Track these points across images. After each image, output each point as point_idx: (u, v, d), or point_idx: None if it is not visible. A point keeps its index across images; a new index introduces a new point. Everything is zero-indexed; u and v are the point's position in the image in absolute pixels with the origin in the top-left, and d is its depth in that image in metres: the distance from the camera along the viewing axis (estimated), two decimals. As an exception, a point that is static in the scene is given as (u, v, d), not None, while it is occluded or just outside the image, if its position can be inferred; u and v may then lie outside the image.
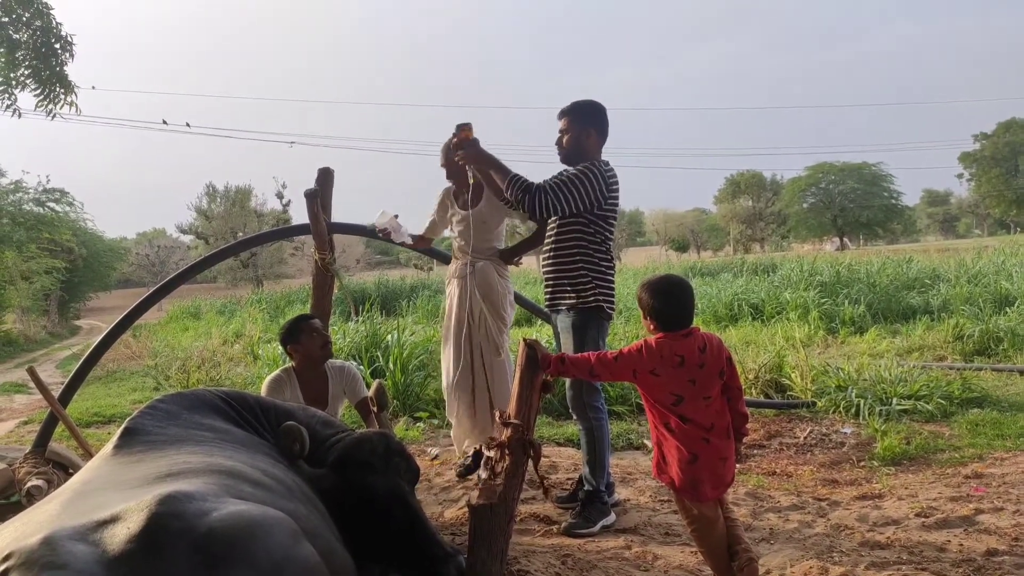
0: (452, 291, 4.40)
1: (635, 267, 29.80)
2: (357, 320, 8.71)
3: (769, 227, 61.31)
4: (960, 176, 53.34)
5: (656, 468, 2.80)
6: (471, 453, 4.49)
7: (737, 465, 2.96)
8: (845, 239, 51.87)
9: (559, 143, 3.85)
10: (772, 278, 15.81)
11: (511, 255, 4.39)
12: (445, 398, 4.53)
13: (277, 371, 4.17)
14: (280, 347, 4.80)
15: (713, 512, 2.69)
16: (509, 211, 4.24)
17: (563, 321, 3.79)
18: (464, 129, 3.85)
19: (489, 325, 4.24)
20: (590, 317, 3.69)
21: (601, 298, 3.68)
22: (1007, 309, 9.64)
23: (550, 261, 3.85)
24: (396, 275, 26.59)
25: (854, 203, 48.64)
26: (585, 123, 3.78)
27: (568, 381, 3.76)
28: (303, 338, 4.08)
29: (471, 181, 4.28)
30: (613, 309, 3.79)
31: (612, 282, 3.77)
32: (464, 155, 3.88)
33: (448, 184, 4.53)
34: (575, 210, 3.65)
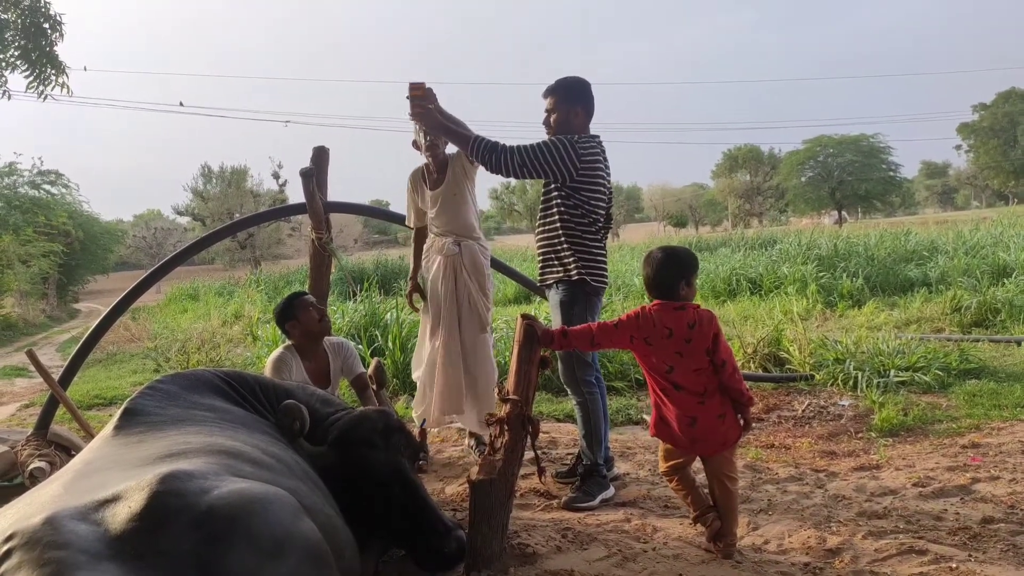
0: (435, 268, 4.37)
1: (633, 243, 29.77)
2: (356, 299, 8.71)
3: (767, 201, 61.11)
4: (958, 148, 53.11)
5: (654, 427, 3.00)
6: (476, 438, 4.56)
7: (746, 434, 3.02)
8: (843, 212, 51.73)
9: (547, 122, 3.87)
10: (770, 252, 15.79)
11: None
12: (418, 371, 4.51)
13: (279, 350, 4.13)
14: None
15: (689, 460, 2.99)
16: (470, 174, 4.30)
17: (553, 297, 3.84)
18: (416, 88, 3.79)
19: (477, 302, 4.30)
20: (576, 292, 3.71)
21: (584, 271, 3.69)
22: (1005, 280, 9.64)
23: (538, 237, 3.93)
24: (395, 254, 26.51)
25: (852, 176, 48.36)
26: (573, 102, 3.80)
27: (560, 357, 3.78)
28: (300, 314, 4.06)
29: (422, 143, 4.26)
30: (601, 284, 3.79)
31: (599, 256, 3.77)
32: (421, 120, 3.83)
33: (414, 169, 4.50)
34: (541, 175, 3.69)
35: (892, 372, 5.76)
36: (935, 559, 2.77)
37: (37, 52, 7.18)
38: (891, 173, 49.13)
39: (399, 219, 5.09)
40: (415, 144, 4.37)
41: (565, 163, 3.64)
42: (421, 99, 3.83)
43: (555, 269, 3.79)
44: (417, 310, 4.53)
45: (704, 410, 2.84)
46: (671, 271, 2.91)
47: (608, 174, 3.87)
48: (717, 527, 2.89)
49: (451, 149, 4.39)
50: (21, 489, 3.72)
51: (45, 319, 21.65)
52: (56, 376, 4.74)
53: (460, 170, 4.32)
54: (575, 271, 3.69)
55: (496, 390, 3.02)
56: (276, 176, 39.90)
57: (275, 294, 18.20)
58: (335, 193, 4.98)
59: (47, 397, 4.75)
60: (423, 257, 4.51)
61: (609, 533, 3.17)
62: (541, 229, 3.89)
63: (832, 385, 5.88)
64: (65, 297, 28.59)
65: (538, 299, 8.06)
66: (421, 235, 4.59)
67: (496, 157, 3.66)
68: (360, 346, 7.08)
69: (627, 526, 3.27)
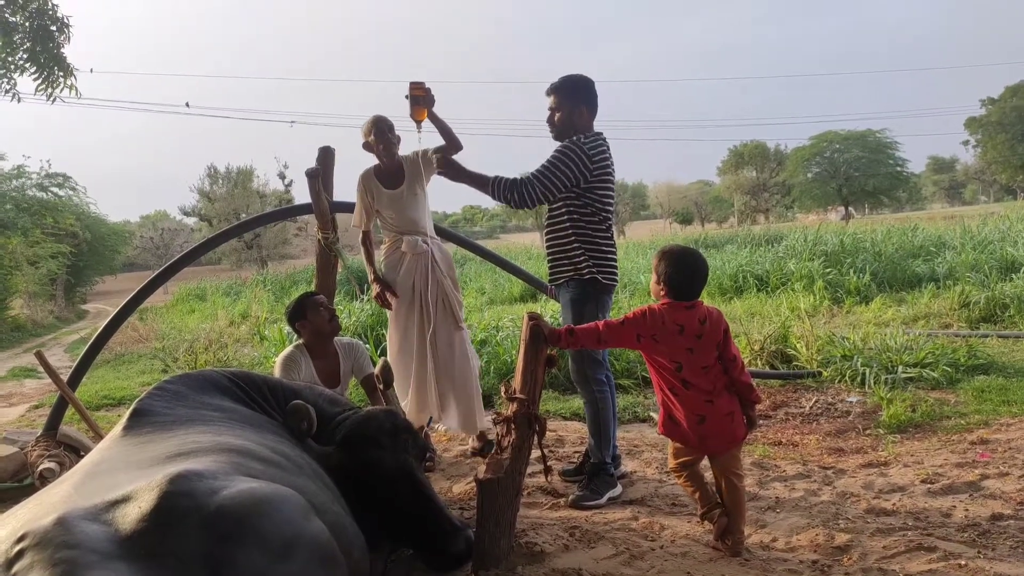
0: (404, 266, 4.35)
1: (638, 240, 29.72)
2: (363, 299, 8.72)
3: (773, 198, 60.88)
4: (966, 143, 52.72)
5: (663, 426, 3.02)
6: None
7: (751, 433, 3.04)
8: (850, 208, 51.51)
9: (550, 121, 3.88)
10: (777, 249, 15.71)
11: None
12: (408, 373, 4.43)
13: (290, 348, 4.18)
14: (287, 327, 4.82)
15: (698, 457, 3.00)
16: (427, 175, 4.36)
17: (563, 296, 3.85)
18: (416, 88, 3.87)
19: (450, 298, 4.37)
20: (587, 290, 3.72)
21: (595, 270, 3.70)
22: (1013, 275, 9.58)
23: (547, 236, 3.93)
24: (400, 253, 26.54)
25: (859, 172, 48.10)
26: (577, 100, 3.81)
27: (571, 355, 3.79)
28: (310, 314, 4.10)
29: (374, 144, 4.33)
30: (612, 281, 3.80)
31: (609, 254, 3.78)
32: (446, 174, 3.95)
33: (365, 170, 4.47)
34: (562, 190, 3.70)
35: (900, 368, 5.75)
36: (944, 556, 2.76)
37: (45, 55, 7.22)
38: (898, 168, 48.87)
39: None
40: (366, 146, 4.41)
41: (580, 169, 3.66)
42: (422, 99, 3.87)
43: (565, 268, 3.79)
44: (391, 307, 4.42)
45: (713, 408, 2.86)
46: (703, 278, 2.95)
47: (613, 171, 3.87)
48: (724, 523, 2.91)
49: (404, 151, 4.47)
50: (31, 490, 3.74)
51: (53, 320, 21.76)
52: (65, 377, 4.77)
53: (419, 170, 4.38)
54: (586, 269, 3.70)
55: (503, 388, 3.02)
56: (282, 176, 40.09)
57: (282, 294, 18.26)
58: (341, 193, 5.00)
59: (56, 398, 4.78)
60: (384, 257, 4.48)
61: (616, 531, 3.17)
62: (550, 228, 3.89)
63: (839, 382, 5.86)
64: (73, 298, 28.73)
65: (544, 297, 8.06)
66: (369, 237, 4.58)
67: (519, 194, 3.70)
68: (367, 345, 7.10)
69: (634, 524, 3.28)
